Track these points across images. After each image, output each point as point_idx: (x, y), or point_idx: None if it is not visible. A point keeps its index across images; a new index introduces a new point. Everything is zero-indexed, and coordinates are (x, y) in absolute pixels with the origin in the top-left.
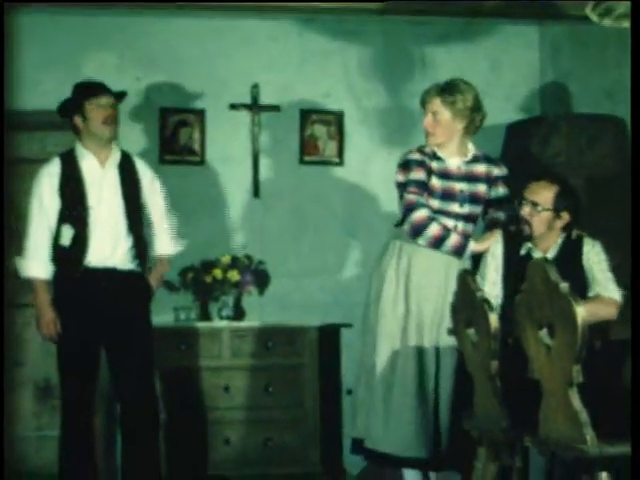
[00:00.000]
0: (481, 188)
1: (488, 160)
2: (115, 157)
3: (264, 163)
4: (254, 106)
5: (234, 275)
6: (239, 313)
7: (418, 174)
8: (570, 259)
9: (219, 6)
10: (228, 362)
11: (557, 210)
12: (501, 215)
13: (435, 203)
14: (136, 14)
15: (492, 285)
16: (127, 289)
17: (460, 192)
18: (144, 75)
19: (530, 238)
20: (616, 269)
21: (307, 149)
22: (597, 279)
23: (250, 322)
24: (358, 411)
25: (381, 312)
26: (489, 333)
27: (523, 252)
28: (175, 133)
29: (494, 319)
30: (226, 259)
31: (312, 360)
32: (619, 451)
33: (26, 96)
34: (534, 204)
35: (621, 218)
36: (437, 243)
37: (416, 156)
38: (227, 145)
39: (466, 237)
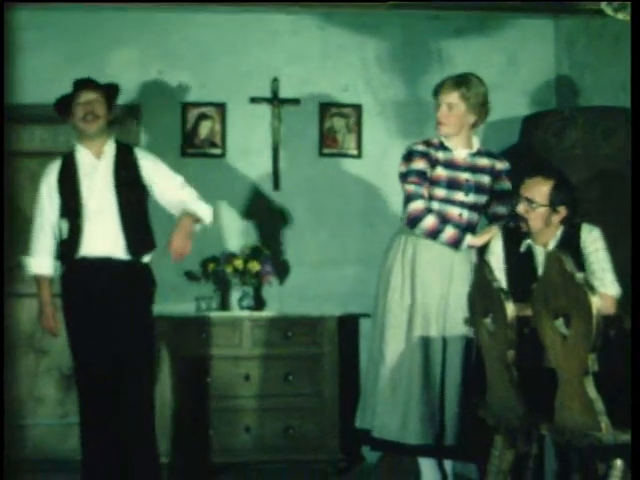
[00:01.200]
0: (485, 179)
1: (491, 155)
2: (110, 149)
3: (284, 155)
4: (274, 100)
5: (254, 266)
6: (259, 303)
7: (419, 164)
8: (569, 248)
9: (241, 1)
10: (248, 351)
11: (553, 205)
12: (503, 209)
13: (441, 192)
14: (159, 9)
15: None
16: (122, 279)
17: (466, 181)
18: (166, 69)
19: (529, 234)
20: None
21: (326, 142)
22: (593, 271)
23: (270, 312)
24: (368, 403)
25: (388, 304)
26: (506, 322)
27: (523, 249)
28: (196, 126)
29: (511, 308)
30: (247, 250)
31: (331, 349)
32: None
33: (52, 91)
34: (529, 201)
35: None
36: (432, 235)
37: (419, 147)
38: (248, 138)
39: (463, 231)
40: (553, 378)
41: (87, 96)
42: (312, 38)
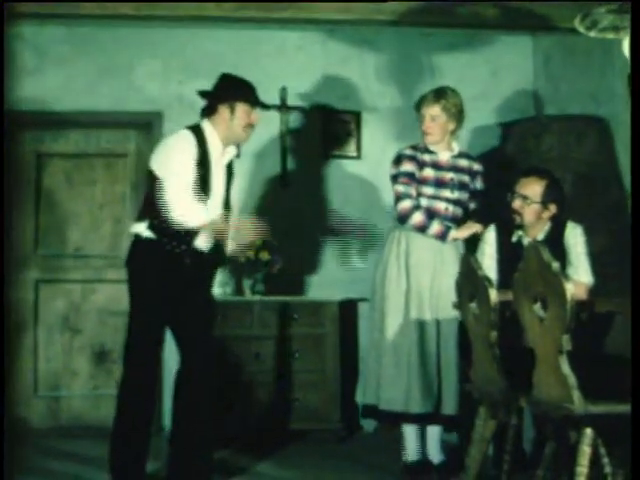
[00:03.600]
0: (466, 178)
1: (469, 157)
2: (231, 154)
3: (291, 157)
4: (283, 107)
5: (265, 255)
6: (269, 289)
7: (407, 166)
8: (555, 242)
9: (252, 18)
10: (259, 332)
11: (545, 203)
12: (474, 205)
13: (429, 190)
14: (179, 26)
15: (488, 270)
16: (209, 266)
17: (450, 180)
18: (186, 80)
19: (520, 226)
20: (602, 253)
21: (329, 145)
22: (571, 261)
23: (279, 297)
24: (368, 380)
25: (386, 291)
26: (489, 306)
27: (514, 239)
28: None
29: (494, 294)
30: (258, 241)
31: (333, 330)
32: (602, 410)
33: (85, 99)
34: (524, 197)
35: (604, 205)
36: (420, 229)
37: (407, 151)
38: (259, 141)
39: (447, 226)
40: (531, 356)
41: (257, 110)
42: (316, 52)
